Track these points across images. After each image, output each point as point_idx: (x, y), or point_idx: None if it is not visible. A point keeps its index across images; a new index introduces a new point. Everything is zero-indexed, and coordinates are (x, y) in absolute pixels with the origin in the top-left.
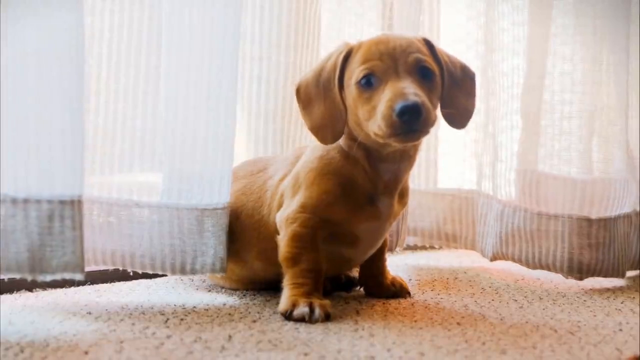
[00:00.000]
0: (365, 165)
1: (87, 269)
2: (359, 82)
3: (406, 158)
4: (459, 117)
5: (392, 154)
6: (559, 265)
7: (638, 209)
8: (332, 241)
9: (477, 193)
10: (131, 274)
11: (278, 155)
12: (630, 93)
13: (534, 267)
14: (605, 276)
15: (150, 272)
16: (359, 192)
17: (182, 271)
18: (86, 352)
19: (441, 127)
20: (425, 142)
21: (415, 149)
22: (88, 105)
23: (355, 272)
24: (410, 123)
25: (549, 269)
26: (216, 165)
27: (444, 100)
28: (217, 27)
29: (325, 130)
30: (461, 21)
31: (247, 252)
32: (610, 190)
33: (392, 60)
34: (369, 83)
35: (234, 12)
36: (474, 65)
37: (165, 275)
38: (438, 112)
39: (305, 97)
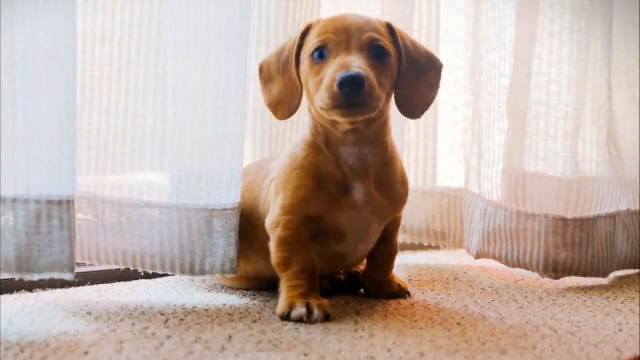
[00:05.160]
0: (325, 149)
1: (89, 268)
2: (311, 55)
3: (367, 141)
4: (413, 106)
5: (348, 135)
6: (535, 264)
7: (632, 209)
8: (320, 238)
9: (465, 191)
10: (132, 272)
11: (280, 155)
12: (613, 92)
13: (513, 266)
14: (583, 275)
15: (160, 272)
16: (329, 181)
17: (192, 272)
18: (86, 352)
19: (440, 126)
20: (420, 139)
21: (378, 132)
22: (99, 105)
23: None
24: (352, 95)
25: (526, 268)
26: (224, 164)
27: (401, 85)
28: (224, 24)
29: (281, 105)
30: (460, 21)
31: (249, 248)
32: (589, 190)
33: (346, 36)
34: (321, 55)
35: (242, 9)
36: (470, 63)
37: (167, 275)
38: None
39: (267, 74)
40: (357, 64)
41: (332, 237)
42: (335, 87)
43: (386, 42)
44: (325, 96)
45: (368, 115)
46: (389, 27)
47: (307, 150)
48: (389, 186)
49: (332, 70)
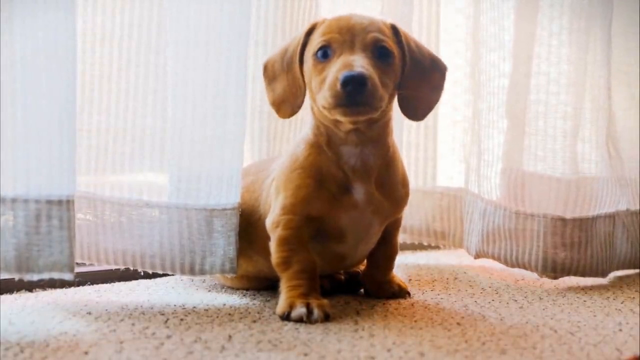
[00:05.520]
0: (327, 149)
1: (89, 268)
2: (315, 54)
3: (369, 142)
4: (416, 107)
5: (350, 135)
6: (534, 264)
7: (632, 209)
8: (320, 238)
9: (465, 191)
10: (132, 272)
11: (281, 155)
12: (613, 92)
13: (512, 266)
14: (582, 275)
15: (160, 272)
16: (330, 181)
17: (192, 271)
18: (86, 352)
19: (440, 126)
20: (420, 139)
21: (380, 132)
22: (99, 105)
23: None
24: (354, 94)
25: (525, 268)
26: (224, 165)
27: (404, 87)
28: (225, 24)
29: (285, 104)
30: (460, 21)
31: (250, 248)
32: (588, 190)
33: (350, 36)
34: (325, 55)
35: (242, 9)
36: (470, 62)
37: (167, 275)
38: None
39: (271, 73)
40: (360, 63)
41: (333, 238)
42: (338, 86)
43: (390, 43)
44: (328, 95)
45: (370, 115)
46: (394, 29)
47: (309, 150)
48: (390, 187)
49: (336, 70)
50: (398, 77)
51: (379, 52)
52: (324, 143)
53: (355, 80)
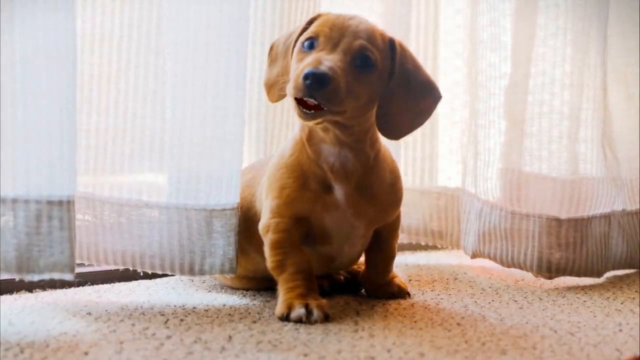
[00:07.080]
0: (308, 146)
1: (88, 269)
2: (302, 43)
3: (346, 146)
4: (392, 125)
5: (329, 134)
6: (529, 264)
7: (628, 209)
8: (308, 239)
9: (462, 191)
10: (133, 273)
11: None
12: (611, 92)
13: (508, 266)
14: (577, 275)
15: (160, 272)
16: (311, 179)
17: (191, 272)
18: (86, 353)
19: (439, 126)
20: (418, 139)
21: (358, 139)
22: (98, 105)
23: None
24: (310, 90)
25: (520, 268)
26: (224, 165)
27: (387, 103)
28: (224, 25)
29: (274, 88)
30: (460, 21)
31: (248, 244)
32: (584, 190)
33: (339, 35)
34: (310, 46)
35: (241, 10)
36: (467, 63)
37: (167, 276)
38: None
39: (274, 54)
40: (329, 64)
41: (319, 239)
42: (300, 78)
43: (376, 55)
44: (291, 85)
45: (329, 117)
46: (391, 43)
47: (294, 147)
48: (376, 193)
49: (305, 63)
50: (378, 90)
51: (360, 61)
52: (306, 139)
53: (315, 77)
